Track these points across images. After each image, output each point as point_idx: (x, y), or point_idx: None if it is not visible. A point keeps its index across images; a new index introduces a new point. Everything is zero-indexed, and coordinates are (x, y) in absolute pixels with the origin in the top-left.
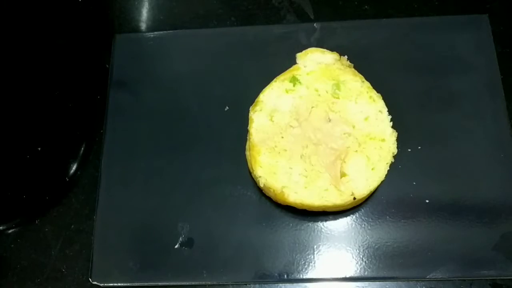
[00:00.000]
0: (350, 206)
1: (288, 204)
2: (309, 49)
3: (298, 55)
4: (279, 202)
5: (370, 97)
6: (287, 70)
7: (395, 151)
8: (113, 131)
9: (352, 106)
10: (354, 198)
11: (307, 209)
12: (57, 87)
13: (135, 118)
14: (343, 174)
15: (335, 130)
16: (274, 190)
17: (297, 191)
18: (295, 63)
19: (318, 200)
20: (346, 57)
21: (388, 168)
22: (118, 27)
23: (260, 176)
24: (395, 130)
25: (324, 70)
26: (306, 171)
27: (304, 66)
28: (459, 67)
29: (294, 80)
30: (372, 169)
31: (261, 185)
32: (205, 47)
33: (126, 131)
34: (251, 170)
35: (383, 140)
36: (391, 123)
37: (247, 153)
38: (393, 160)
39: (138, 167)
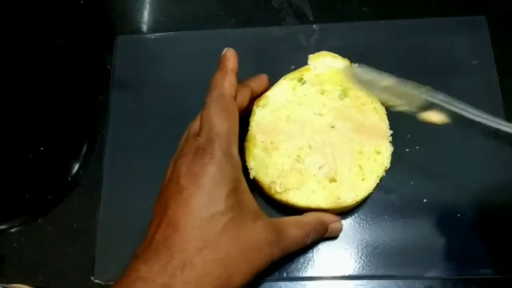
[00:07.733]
0: (335, 212)
1: (275, 200)
2: (321, 52)
3: (310, 56)
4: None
5: (374, 108)
6: (297, 70)
7: (388, 165)
8: (114, 131)
9: (355, 114)
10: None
11: (293, 207)
12: (59, 87)
13: (137, 119)
14: (332, 179)
15: (333, 135)
16: (262, 184)
17: (284, 188)
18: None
19: (303, 200)
20: (356, 65)
21: (378, 182)
22: (120, 28)
23: (251, 168)
24: (392, 146)
25: (332, 75)
26: (296, 171)
27: (315, 68)
28: (457, 68)
29: (302, 80)
30: (362, 179)
31: (251, 177)
32: (205, 48)
33: (127, 131)
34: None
35: (378, 152)
36: (391, 137)
37: (245, 144)
38: (384, 174)
39: (140, 167)
